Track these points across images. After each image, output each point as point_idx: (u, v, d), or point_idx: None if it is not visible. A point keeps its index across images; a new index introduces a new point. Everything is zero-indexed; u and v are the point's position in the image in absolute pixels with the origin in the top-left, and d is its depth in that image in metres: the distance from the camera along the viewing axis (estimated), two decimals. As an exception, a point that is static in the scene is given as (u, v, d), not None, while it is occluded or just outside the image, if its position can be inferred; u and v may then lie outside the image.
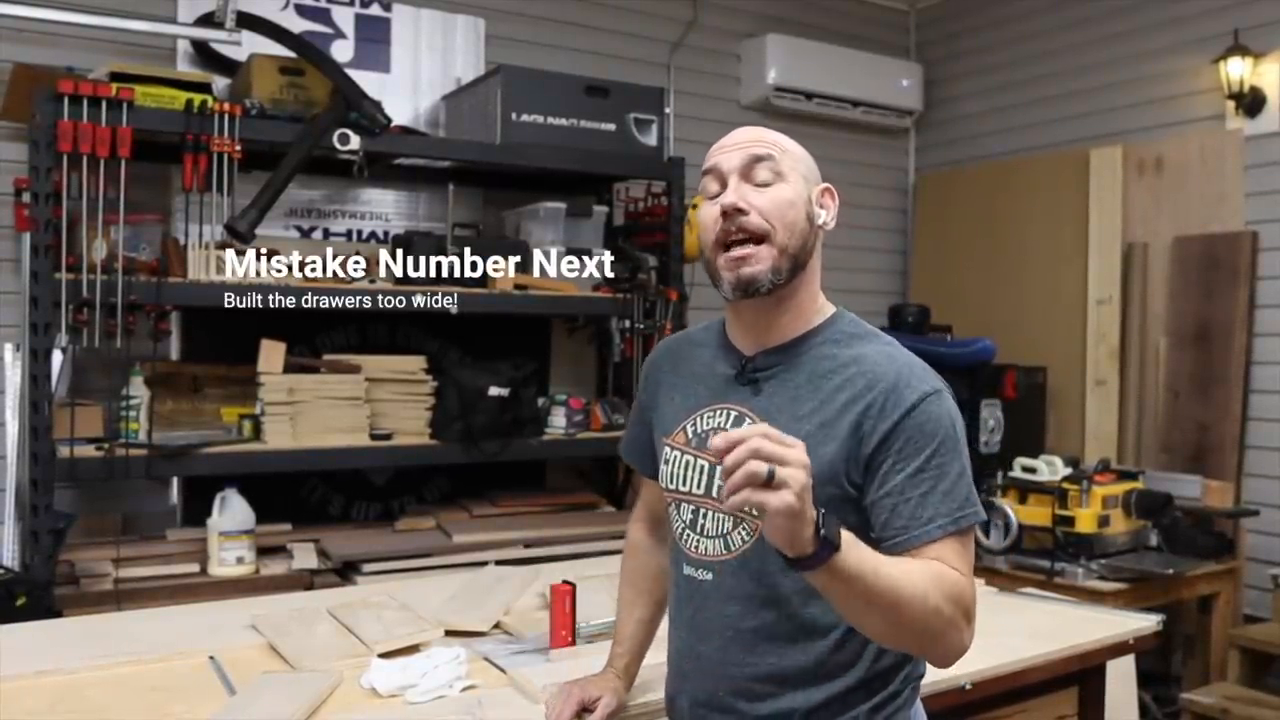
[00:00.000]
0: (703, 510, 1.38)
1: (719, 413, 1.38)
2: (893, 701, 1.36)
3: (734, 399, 1.37)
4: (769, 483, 1.03)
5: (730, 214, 1.31)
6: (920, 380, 1.29)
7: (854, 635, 1.30)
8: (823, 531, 1.08)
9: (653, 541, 1.63)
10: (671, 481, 1.41)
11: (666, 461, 1.42)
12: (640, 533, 1.66)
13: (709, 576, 1.37)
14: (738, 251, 1.31)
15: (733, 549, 1.35)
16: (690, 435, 1.40)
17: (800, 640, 1.33)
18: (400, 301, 3.23)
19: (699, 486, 1.38)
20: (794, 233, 1.32)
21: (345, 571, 3.09)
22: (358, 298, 3.20)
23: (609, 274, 3.69)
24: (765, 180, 1.33)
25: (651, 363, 1.55)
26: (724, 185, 1.34)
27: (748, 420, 1.34)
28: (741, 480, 1.03)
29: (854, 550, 1.12)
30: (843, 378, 1.31)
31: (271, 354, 3.12)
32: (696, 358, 1.46)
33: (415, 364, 3.38)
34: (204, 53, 3.46)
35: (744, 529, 1.34)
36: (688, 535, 1.40)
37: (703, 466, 1.37)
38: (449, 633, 1.99)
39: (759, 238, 1.31)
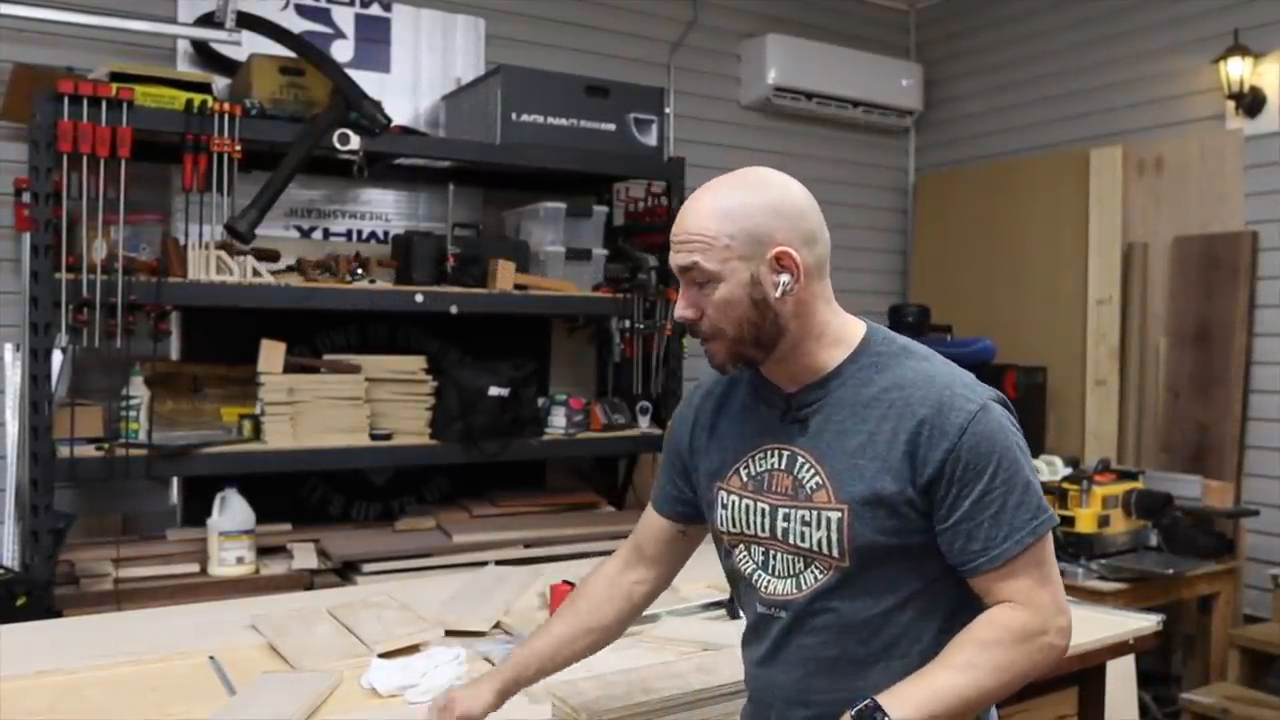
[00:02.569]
0: (773, 551, 1.38)
1: (770, 454, 1.38)
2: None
3: (783, 438, 1.37)
4: None
5: (684, 323, 1.37)
6: (964, 400, 1.28)
7: (934, 654, 1.29)
8: None
9: (620, 575, 1.58)
10: (734, 525, 1.41)
11: (724, 506, 1.42)
12: (614, 563, 1.61)
13: (784, 615, 1.37)
14: (704, 346, 1.37)
15: (804, 588, 1.35)
16: (746, 479, 1.40)
17: (880, 662, 1.33)
18: (400, 302, 3.24)
19: (764, 530, 1.37)
20: (743, 324, 1.31)
21: (345, 571, 3.09)
22: (358, 298, 3.22)
23: (609, 274, 3.70)
24: (701, 284, 1.32)
25: (683, 411, 1.54)
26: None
27: (800, 461, 1.34)
28: None
29: (908, 706, 1.21)
30: (885, 405, 1.30)
31: (271, 354, 3.12)
32: (738, 399, 1.46)
33: (415, 364, 3.38)
34: (204, 53, 3.47)
35: (816, 568, 1.34)
36: (759, 575, 1.40)
37: (764, 509, 1.37)
38: (449, 633, 1.99)
39: (712, 337, 1.34)
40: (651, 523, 1.57)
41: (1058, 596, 1.31)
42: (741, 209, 1.30)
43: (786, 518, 1.35)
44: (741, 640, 1.50)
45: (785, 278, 1.30)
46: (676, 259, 1.33)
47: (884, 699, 1.22)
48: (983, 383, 1.34)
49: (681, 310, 1.34)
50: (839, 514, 1.29)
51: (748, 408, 1.43)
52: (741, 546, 1.42)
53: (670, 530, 1.55)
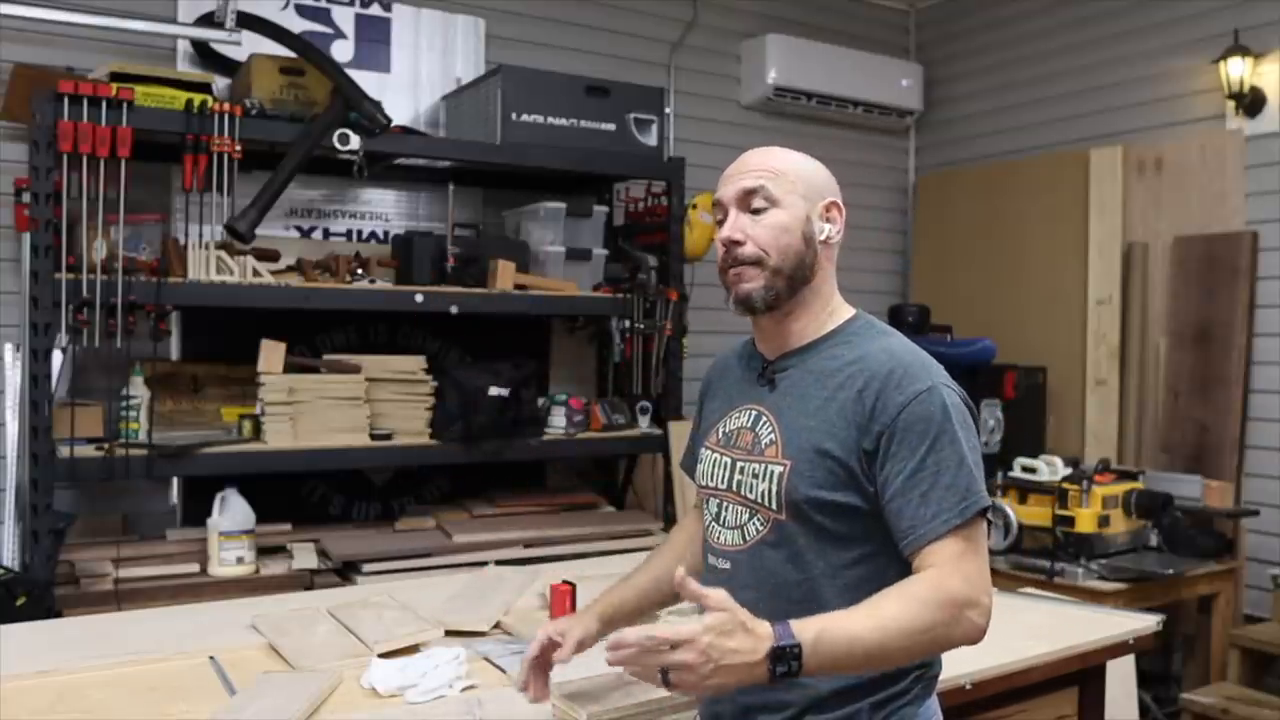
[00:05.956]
0: (725, 503, 1.46)
1: (743, 413, 1.48)
2: (898, 699, 1.39)
3: (754, 399, 1.47)
4: (667, 683, 1.17)
5: (728, 245, 1.43)
6: (911, 380, 1.34)
7: None
8: (777, 669, 1.17)
9: (695, 526, 1.66)
10: (703, 479, 1.52)
11: (701, 461, 1.53)
12: (692, 516, 1.70)
13: (728, 565, 1.45)
14: (734, 270, 1.44)
15: (747, 539, 1.43)
16: (720, 435, 1.50)
17: None
18: (400, 302, 3.24)
19: (722, 482, 1.46)
20: (788, 255, 1.42)
21: (345, 571, 3.09)
22: (358, 298, 3.22)
23: (609, 274, 3.70)
24: (760, 208, 1.42)
25: (704, 379, 1.65)
26: (726, 216, 1.45)
27: (763, 419, 1.43)
28: (645, 678, 1.19)
29: (820, 648, 1.19)
30: (845, 375, 1.38)
31: (271, 354, 3.12)
32: (736, 368, 1.57)
33: (415, 364, 3.38)
34: (204, 53, 3.47)
35: (758, 520, 1.41)
36: (713, 527, 1.49)
37: (726, 463, 1.46)
38: (449, 633, 1.99)
39: (753, 262, 1.42)
40: (689, 482, 1.69)
41: (986, 576, 1.32)
42: (804, 163, 1.49)
43: (741, 470, 1.43)
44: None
45: (830, 226, 1.45)
46: (742, 182, 1.44)
47: (802, 634, 1.19)
48: (947, 374, 1.38)
49: (729, 232, 1.42)
50: (782, 468, 1.37)
51: (740, 375, 1.54)
52: (705, 500, 1.51)
53: None
